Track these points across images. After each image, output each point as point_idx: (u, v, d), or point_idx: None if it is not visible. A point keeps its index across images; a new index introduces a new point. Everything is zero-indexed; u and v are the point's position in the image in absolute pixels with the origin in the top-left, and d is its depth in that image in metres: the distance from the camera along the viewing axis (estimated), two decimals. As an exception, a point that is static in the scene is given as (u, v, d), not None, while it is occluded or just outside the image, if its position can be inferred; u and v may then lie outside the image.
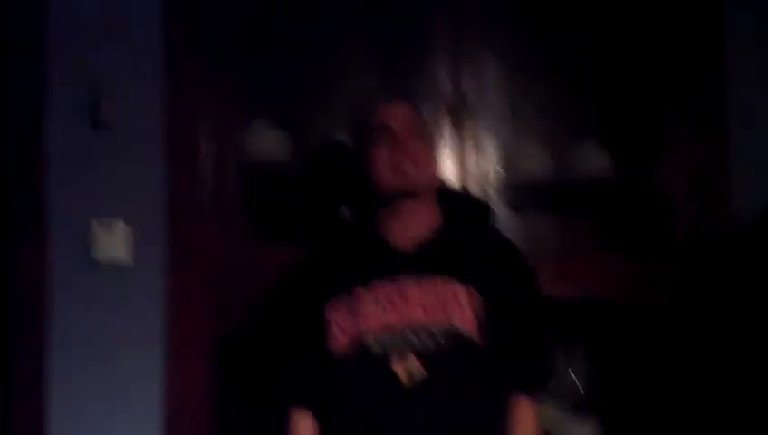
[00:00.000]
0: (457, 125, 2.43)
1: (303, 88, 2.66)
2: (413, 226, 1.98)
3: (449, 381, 1.84)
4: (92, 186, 2.32)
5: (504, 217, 2.44)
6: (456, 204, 2.12)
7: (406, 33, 2.61)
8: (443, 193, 2.09)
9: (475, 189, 2.41)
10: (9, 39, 2.33)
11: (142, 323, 2.30)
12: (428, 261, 1.93)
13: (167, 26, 2.37)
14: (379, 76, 2.66)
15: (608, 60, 2.71)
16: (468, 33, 2.47)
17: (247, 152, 2.45)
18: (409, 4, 2.57)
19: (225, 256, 2.34)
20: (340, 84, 2.66)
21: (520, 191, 2.57)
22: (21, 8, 2.33)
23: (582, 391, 2.63)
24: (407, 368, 1.82)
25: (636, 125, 2.63)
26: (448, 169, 2.41)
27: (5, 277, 2.29)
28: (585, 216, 2.70)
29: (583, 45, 2.72)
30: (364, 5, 2.65)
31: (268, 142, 2.49)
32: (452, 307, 1.88)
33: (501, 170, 2.51)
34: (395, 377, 1.82)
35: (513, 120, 2.67)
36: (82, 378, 2.28)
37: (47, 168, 2.30)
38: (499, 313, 1.90)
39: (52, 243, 2.28)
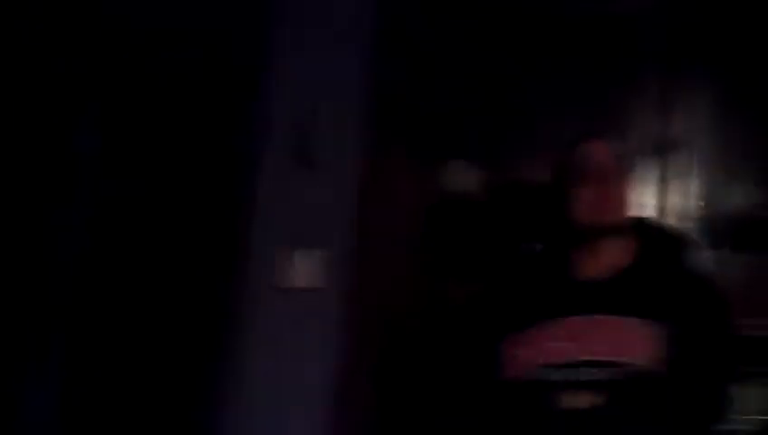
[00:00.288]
0: (663, 162, 2.36)
1: (506, 126, 2.65)
2: (605, 262, 1.95)
3: (625, 416, 1.80)
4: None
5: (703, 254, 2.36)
6: (655, 238, 2.06)
7: (616, 71, 2.56)
8: (642, 227, 2.05)
9: (676, 225, 2.34)
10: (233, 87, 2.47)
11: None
12: (616, 296, 1.90)
13: (373, 63, 2.43)
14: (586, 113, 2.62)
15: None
16: (679, 73, 2.41)
17: (441, 190, 2.46)
18: (619, 41, 2.53)
19: (403, 288, 2.37)
20: (545, 123, 2.63)
21: (720, 229, 2.46)
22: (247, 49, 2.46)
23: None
24: (582, 401, 1.81)
25: None
26: (651, 204, 2.38)
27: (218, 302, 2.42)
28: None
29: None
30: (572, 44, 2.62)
31: (463, 181, 2.49)
32: (632, 342, 1.84)
33: (702, 206, 2.43)
34: (571, 411, 1.81)
35: (720, 160, 2.56)
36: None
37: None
38: (683, 348, 1.84)
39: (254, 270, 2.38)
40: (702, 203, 2.44)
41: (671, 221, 2.36)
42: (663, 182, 2.37)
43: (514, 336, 1.91)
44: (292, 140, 2.40)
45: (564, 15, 2.53)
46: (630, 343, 1.85)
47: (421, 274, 2.41)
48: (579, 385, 1.83)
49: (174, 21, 2.50)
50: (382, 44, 2.42)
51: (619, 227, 1.96)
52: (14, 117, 2.51)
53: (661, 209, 2.38)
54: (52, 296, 2.52)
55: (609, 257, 1.95)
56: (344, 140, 2.41)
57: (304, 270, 2.36)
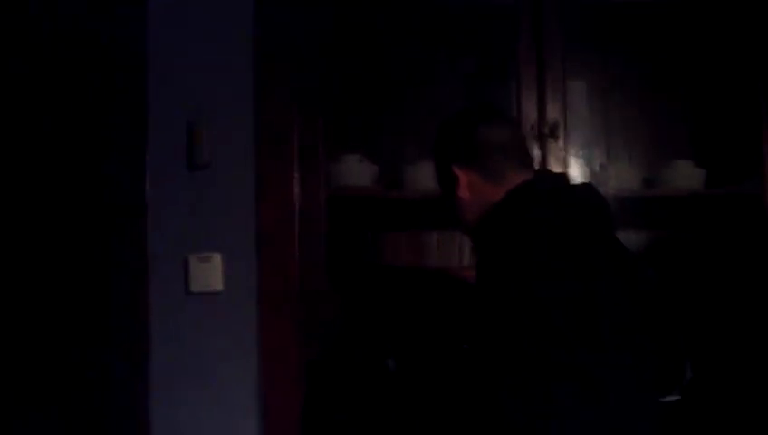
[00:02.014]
0: (544, 149, 2.42)
1: (390, 120, 2.73)
2: None
3: None
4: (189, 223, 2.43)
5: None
6: None
7: (491, 61, 2.63)
8: None
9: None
10: (112, 88, 2.44)
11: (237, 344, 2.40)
12: None
13: (258, 68, 2.44)
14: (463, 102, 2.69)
15: (699, 75, 2.68)
16: (552, 56, 2.46)
17: (336, 184, 2.51)
18: (494, 33, 2.59)
19: (311, 283, 2.40)
20: (427, 114, 2.69)
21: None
22: (123, 57, 2.45)
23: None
24: None
25: (730, 142, 2.57)
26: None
27: (111, 309, 2.41)
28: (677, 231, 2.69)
29: (672, 63, 2.69)
30: (448, 36, 2.68)
31: (355, 172, 2.55)
32: None
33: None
34: None
35: (602, 142, 2.66)
36: (182, 397, 2.39)
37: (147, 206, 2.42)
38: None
39: (153, 276, 2.40)
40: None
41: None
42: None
43: None
44: (183, 143, 2.41)
45: (445, 3, 2.59)
46: None
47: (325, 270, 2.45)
48: None
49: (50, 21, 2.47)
50: (266, 41, 2.45)
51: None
52: None
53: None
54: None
55: None
56: (236, 141, 2.43)
57: (204, 274, 2.39)
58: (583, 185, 1.95)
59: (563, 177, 1.96)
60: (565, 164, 2.42)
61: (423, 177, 2.53)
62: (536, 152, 2.40)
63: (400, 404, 2.40)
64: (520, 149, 1.86)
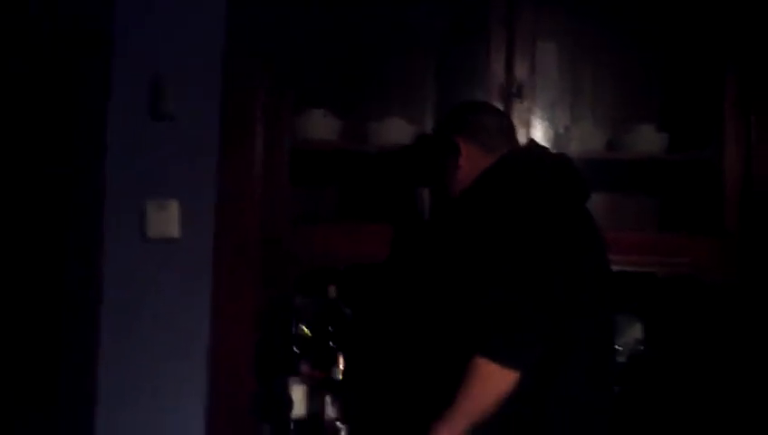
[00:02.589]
0: (509, 109, 2.41)
1: (357, 73, 2.70)
2: None
3: None
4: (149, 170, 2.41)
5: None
6: None
7: (461, 18, 2.61)
8: None
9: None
10: (78, 36, 2.42)
11: (191, 291, 2.40)
12: None
13: (230, 17, 2.42)
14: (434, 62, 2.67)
15: (668, 41, 2.68)
16: (522, 18, 2.44)
17: (299, 136, 2.49)
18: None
19: (271, 231, 2.40)
20: (394, 69, 2.69)
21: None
22: (89, 5, 2.41)
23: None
24: None
25: (694, 108, 2.58)
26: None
27: (66, 252, 2.39)
28: (640, 194, 2.72)
29: (642, 28, 2.69)
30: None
31: (320, 126, 2.53)
32: None
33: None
34: None
35: (568, 104, 2.66)
36: (133, 343, 2.40)
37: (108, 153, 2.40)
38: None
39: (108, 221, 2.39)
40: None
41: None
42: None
43: None
44: (146, 95, 2.39)
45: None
46: None
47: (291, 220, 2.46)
48: None
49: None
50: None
51: None
52: None
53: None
54: None
55: None
56: (201, 94, 2.41)
57: (161, 221, 2.38)
58: (561, 156, 2.15)
59: (545, 148, 2.17)
60: (529, 125, 2.42)
61: (387, 132, 2.53)
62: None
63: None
64: (511, 132, 2.16)
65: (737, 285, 2.39)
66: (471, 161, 2.07)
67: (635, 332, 2.69)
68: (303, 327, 2.65)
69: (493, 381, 1.79)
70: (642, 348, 2.67)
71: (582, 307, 1.91)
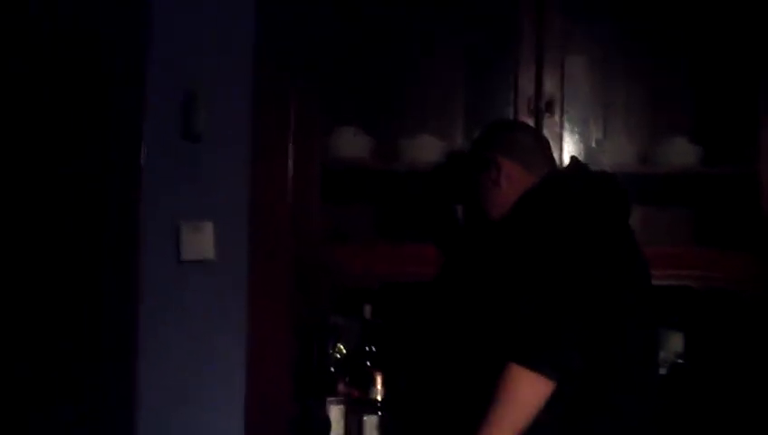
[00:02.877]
0: (540, 124, 2.41)
1: (389, 92, 2.72)
2: None
3: None
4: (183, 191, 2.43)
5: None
6: None
7: (491, 32, 2.62)
8: None
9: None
10: (113, 58, 2.44)
11: (227, 313, 2.41)
12: None
13: (258, 36, 2.44)
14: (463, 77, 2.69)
15: (700, 52, 2.66)
16: (552, 31, 2.44)
17: (331, 154, 2.51)
18: (494, 7, 2.58)
19: (304, 251, 2.41)
20: (425, 88, 2.71)
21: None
22: (125, 26, 2.45)
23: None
24: None
25: (728, 120, 2.56)
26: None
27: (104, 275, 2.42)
28: (674, 207, 2.70)
29: (673, 40, 2.67)
30: (448, 9, 2.67)
31: (351, 144, 2.55)
32: None
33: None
34: None
35: (600, 117, 2.66)
36: (172, 366, 2.41)
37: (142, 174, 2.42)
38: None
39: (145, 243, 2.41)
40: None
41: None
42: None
43: None
44: (178, 114, 2.42)
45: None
46: None
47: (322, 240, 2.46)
48: None
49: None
50: (266, 13, 2.44)
51: None
52: None
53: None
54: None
55: None
56: (232, 112, 2.43)
57: (196, 243, 2.40)
58: (605, 173, 2.13)
59: (587, 166, 2.16)
60: (561, 139, 2.41)
61: (419, 150, 2.53)
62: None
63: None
64: (549, 151, 2.19)
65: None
66: (511, 180, 2.06)
67: (675, 344, 2.66)
68: (341, 346, 2.65)
69: (523, 388, 1.78)
70: (681, 361, 2.64)
71: (626, 320, 1.90)
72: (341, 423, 2.52)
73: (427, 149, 2.54)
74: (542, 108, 2.41)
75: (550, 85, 2.42)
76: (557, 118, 2.41)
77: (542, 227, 1.90)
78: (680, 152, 2.52)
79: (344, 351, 2.65)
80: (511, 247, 1.93)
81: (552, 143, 2.35)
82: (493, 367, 1.82)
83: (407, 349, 2.67)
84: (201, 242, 2.40)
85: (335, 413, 2.50)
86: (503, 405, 1.79)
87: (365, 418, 2.51)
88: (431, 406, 2.51)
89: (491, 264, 1.99)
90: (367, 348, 2.63)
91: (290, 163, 2.41)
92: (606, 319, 1.84)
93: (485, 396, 1.82)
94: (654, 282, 2.11)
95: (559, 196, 1.98)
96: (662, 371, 2.58)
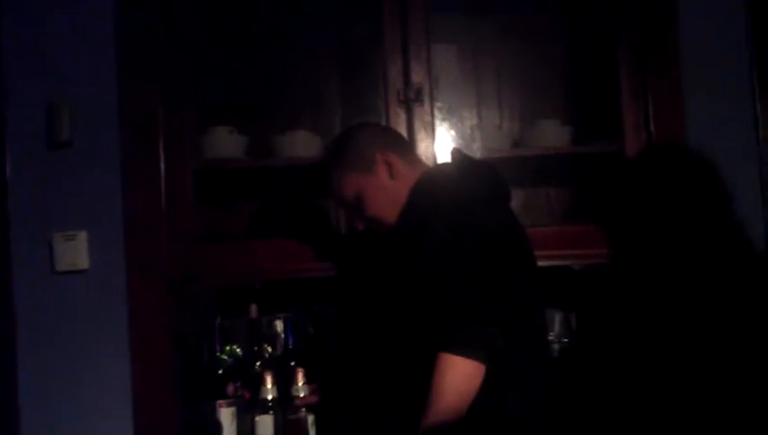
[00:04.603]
0: (410, 114, 2.43)
1: (256, 89, 2.71)
2: None
3: None
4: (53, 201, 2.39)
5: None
6: None
7: (360, 27, 2.64)
8: None
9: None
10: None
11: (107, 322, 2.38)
12: None
13: (119, 38, 2.41)
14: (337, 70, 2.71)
15: (568, 35, 2.72)
16: (415, 24, 2.45)
17: (204, 156, 2.49)
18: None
19: (179, 254, 2.39)
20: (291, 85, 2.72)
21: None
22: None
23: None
24: None
25: (595, 100, 2.62)
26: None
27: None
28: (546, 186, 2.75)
29: (540, 25, 2.74)
30: (318, 3, 2.68)
31: (226, 143, 2.53)
32: None
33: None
34: None
35: (474, 106, 2.69)
36: (53, 379, 2.38)
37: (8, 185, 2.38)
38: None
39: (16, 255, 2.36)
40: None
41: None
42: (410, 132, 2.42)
43: None
44: (42, 124, 2.38)
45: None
46: None
47: (199, 241, 2.44)
48: None
49: None
50: (127, 19, 2.42)
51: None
52: None
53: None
54: None
55: None
56: (98, 120, 2.40)
57: (69, 253, 2.36)
58: (483, 162, 2.17)
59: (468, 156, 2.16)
60: (432, 128, 2.43)
61: (295, 146, 2.53)
62: (402, 117, 2.42)
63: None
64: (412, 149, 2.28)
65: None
66: (400, 174, 2.05)
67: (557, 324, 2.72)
68: (230, 348, 2.63)
69: (458, 376, 1.80)
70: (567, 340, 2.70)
71: (524, 300, 1.95)
72: (234, 425, 2.50)
73: (302, 144, 2.54)
74: (411, 97, 2.41)
75: (417, 75, 2.43)
76: (427, 107, 2.42)
77: (436, 217, 1.90)
78: (552, 134, 2.57)
79: (239, 352, 2.64)
80: (416, 243, 1.92)
81: (423, 132, 2.39)
82: (421, 361, 1.84)
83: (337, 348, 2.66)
84: (75, 252, 2.35)
85: (225, 415, 2.48)
86: (443, 396, 1.80)
87: (257, 418, 2.49)
88: (366, 400, 2.50)
89: (403, 264, 1.98)
90: (255, 348, 2.61)
91: (162, 166, 2.39)
92: (510, 297, 1.87)
93: (420, 388, 1.83)
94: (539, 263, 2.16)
95: (446, 185, 2.00)
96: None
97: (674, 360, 2.36)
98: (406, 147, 2.18)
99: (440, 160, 2.39)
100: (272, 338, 2.65)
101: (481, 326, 1.81)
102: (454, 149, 2.26)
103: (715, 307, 2.28)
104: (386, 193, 2.04)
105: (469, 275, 1.83)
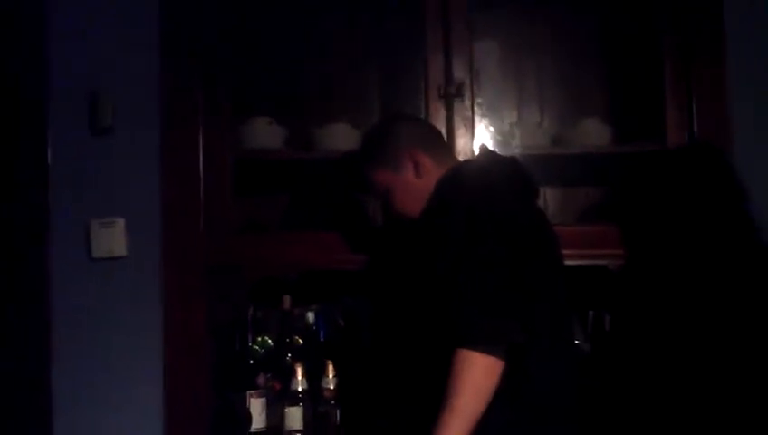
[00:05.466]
0: (450, 109, 2.41)
1: (301, 82, 2.71)
2: None
3: None
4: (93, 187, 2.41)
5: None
6: None
7: (402, 22, 2.63)
8: None
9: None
10: (13, 52, 2.41)
11: (142, 309, 2.39)
12: None
13: (163, 27, 2.42)
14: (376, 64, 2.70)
15: (610, 34, 2.69)
16: (457, 19, 2.43)
17: (246, 145, 2.49)
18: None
19: (216, 243, 2.39)
20: (336, 78, 2.72)
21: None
22: (23, 18, 2.41)
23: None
24: None
25: (637, 100, 2.59)
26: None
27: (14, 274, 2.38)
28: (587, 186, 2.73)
29: (583, 22, 2.70)
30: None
31: (265, 134, 2.53)
32: None
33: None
34: None
35: (514, 102, 2.67)
36: (85, 366, 2.39)
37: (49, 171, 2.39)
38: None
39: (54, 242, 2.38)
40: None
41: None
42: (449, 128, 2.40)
43: None
44: (85, 110, 2.39)
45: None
46: None
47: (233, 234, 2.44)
48: None
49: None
50: (171, 8, 2.42)
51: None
52: None
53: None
54: None
55: None
56: (140, 107, 2.41)
57: (106, 240, 2.37)
58: (512, 158, 2.14)
59: (495, 153, 2.17)
60: (472, 124, 2.41)
61: (333, 138, 2.53)
62: (442, 112, 2.40)
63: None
64: (443, 140, 2.23)
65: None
66: (428, 171, 2.04)
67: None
68: (262, 339, 2.63)
69: (477, 372, 1.77)
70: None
71: (546, 297, 1.93)
72: (263, 416, 2.50)
73: (341, 137, 2.53)
74: (452, 93, 2.40)
75: (459, 71, 2.42)
76: (467, 103, 2.41)
77: (458, 213, 1.89)
78: (592, 133, 2.55)
79: (270, 343, 2.64)
80: (435, 236, 1.92)
81: (463, 128, 2.38)
82: (442, 356, 1.81)
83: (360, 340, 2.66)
84: (112, 239, 2.36)
85: (256, 406, 2.48)
86: (461, 393, 1.78)
87: (287, 409, 2.49)
88: (386, 396, 2.49)
89: (424, 257, 1.97)
90: (287, 340, 2.61)
91: (201, 156, 2.39)
92: (531, 292, 1.85)
93: (438, 384, 1.81)
94: (572, 262, 2.14)
95: (469, 178, 2.00)
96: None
97: (707, 362, 2.34)
98: (438, 142, 2.16)
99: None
100: (303, 330, 2.65)
101: (499, 320, 1.78)
102: (482, 145, 2.25)
103: (751, 312, 2.25)
104: (411, 191, 2.05)
105: (487, 268, 1.81)
